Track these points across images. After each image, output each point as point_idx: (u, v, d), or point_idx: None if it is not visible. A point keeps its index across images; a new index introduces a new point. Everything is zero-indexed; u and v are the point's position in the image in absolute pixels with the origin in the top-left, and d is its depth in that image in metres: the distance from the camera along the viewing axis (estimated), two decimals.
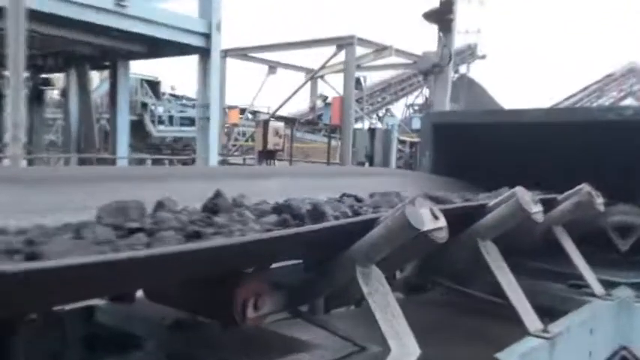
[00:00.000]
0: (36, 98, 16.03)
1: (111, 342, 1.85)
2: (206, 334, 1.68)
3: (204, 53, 11.12)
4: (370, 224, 1.46)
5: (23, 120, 6.03)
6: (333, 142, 19.48)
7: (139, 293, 1.89)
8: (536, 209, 1.92)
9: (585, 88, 35.15)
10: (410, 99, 32.85)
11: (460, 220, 1.95)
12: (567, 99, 33.18)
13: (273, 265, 1.92)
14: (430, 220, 1.44)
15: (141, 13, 10.16)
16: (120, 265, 0.99)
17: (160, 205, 1.45)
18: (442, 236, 1.47)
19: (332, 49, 18.30)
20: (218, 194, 1.53)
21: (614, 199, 2.88)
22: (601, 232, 2.94)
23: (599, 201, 2.38)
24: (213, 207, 1.48)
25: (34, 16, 6.60)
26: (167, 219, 1.29)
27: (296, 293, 1.62)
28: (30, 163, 10.56)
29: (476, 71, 38.78)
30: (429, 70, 15.81)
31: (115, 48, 12.10)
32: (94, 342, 1.79)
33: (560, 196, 2.47)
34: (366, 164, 14.08)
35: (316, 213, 1.51)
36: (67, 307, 1.78)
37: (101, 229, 1.16)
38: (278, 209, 1.55)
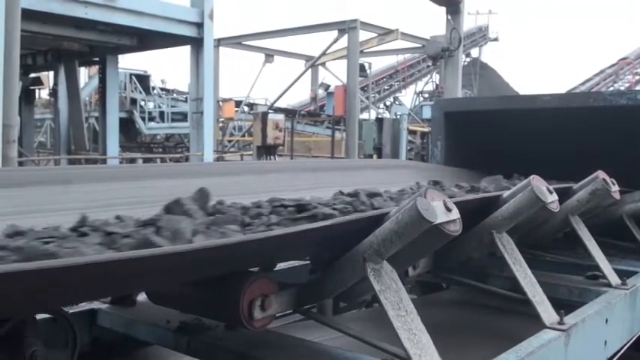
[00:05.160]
0: (25, 98, 16.17)
1: (115, 346, 1.92)
2: (213, 337, 1.73)
3: (197, 43, 11.14)
4: (380, 219, 1.50)
5: (17, 121, 6.12)
6: (338, 135, 19.48)
7: (141, 297, 1.97)
8: (551, 199, 1.97)
9: (601, 72, 35.18)
10: (419, 86, 32.79)
11: (474, 212, 2.01)
12: (583, 83, 33.19)
13: (281, 266, 1.98)
14: (443, 212, 1.48)
15: (130, 5, 10.21)
16: (123, 264, 1.03)
17: None
18: (455, 229, 1.51)
19: (333, 34, 18.31)
20: None
21: (629, 186, 2.94)
22: (617, 221, 3.00)
23: (615, 189, 2.44)
24: None
25: (23, 14, 6.71)
26: None
27: (304, 293, 1.66)
28: (21, 165, 10.63)
29: (488, 55, 38.81)
30: (438, 54, 15.82)
31: (104, 42, 12.18)
32: (97, 346, 1.86)
33: (575, 185, 2.53)
34: (374, 157, 14.10)
35: None
36: (69, 311, 1.86)
37: None
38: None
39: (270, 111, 17.40)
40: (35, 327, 1.40)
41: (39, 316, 1.50)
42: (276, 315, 1.71)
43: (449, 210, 1.50)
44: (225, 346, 1.69)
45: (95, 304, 2.02)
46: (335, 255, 1.58)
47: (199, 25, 11.06)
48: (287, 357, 1.62)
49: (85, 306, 2.00)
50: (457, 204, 1.54)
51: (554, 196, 2.02)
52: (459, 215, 1.52)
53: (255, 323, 1.53)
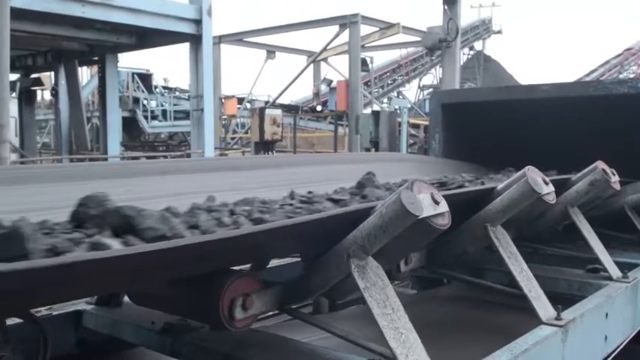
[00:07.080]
0: (26, 99, 16.17)
1: (100, 347, 1.88)
2: (198, 338, 1.68)
3: (195, 40, 11.11)
4: (365, 213, 1.44)
5: (9, 121, 6.12)
6: (340, 130, 19.41)
7: (127, 297, 1.92)
8: (547, 190, 1.91)
9: (606, 63, 34.95)
10: (422, 80, 32.64)
11: (468, 205, 1.95)
12: (588, 74, 32.92)
13: (274, 263, 1.93)
14: (430, 205, 1.42)
15: (127, 2, 10.17)
16: (102, 263, 0.98)
17: None
18: (444, 222, 1.45)
19: (334, 29, 18.21)
20: None
21: (631, 176, 2.87)
22: (618, 213, 2.93)
23: (615, 179, 2.37)
24: None
25: (20, 14, 6.69)
26: None
27: (289, 292, 1.60)
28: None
29: (492, 48, 38.61)
30: (435, 45, 15.71)
31: (103, 41, 12.17)
32: (83, 347, 1.82)
33: (574, 176, 2.46)
34: (372, 150, 14.01)
35: None
36: (54, 312, 1.82)
37: None
38: None
39: (269, 107, 17.28)
40: (4, 331, 1.36)
41: (9, 321, 1.46)
42: (265, 315, 1.66)
43: (436, 203, 1.44)
44: (209, 347, 1.64)
45: (80, 305, 1.98)
46: (321, 251, 1.52)
47: (198, 22, 11.01)
48: (273, 357, 1.57)
49: (70, 307, 1.96)
50: (448, 197, 1.48)
51: (550, 188, 1.95)
52: (447, 208, 1.46)
53: (237, 323, 1.47)
